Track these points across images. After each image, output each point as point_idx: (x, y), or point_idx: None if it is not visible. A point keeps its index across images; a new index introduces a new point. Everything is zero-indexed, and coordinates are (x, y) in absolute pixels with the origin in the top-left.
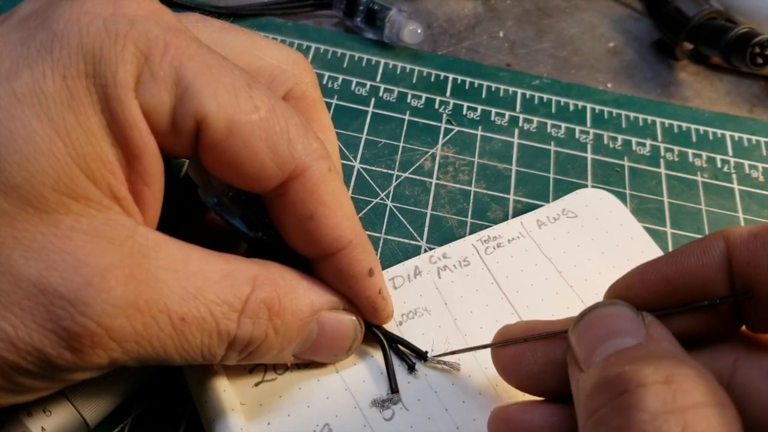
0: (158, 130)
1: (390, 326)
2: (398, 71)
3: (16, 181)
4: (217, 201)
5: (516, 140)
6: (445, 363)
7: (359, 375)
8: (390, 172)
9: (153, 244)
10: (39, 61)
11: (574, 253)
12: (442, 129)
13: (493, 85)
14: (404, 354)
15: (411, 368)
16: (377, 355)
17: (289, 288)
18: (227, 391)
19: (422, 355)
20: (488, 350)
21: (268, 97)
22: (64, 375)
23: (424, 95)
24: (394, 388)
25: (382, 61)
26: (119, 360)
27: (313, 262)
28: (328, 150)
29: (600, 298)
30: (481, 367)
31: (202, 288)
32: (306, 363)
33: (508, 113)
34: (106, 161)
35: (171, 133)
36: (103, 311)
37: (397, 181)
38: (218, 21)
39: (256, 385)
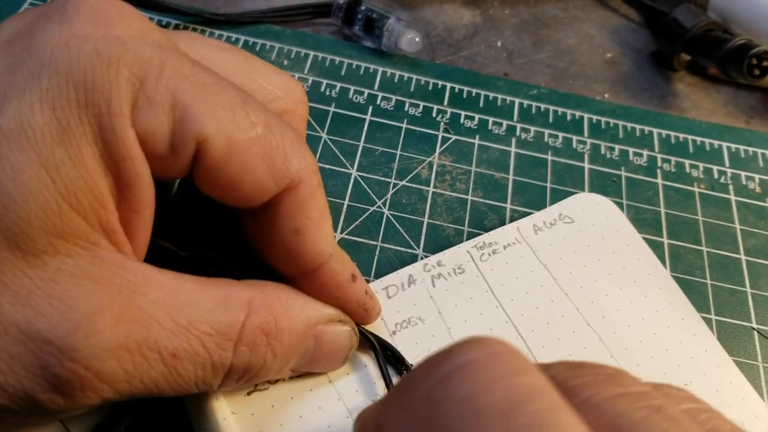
0: (155, 154)
1: (383, 335)
2: (396, 79)
3: (5, 225)
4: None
5: (513, 149)
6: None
7: (352, 385)
8: (387, 180)
9: (142, 279)
10: (27, 91)
11: (570, 260)
12: (440, 137)
13: (491, 95)
14: (392, 360)
15: (400, 373)
16: (370, 365)
17: (285, 308)
18: (219, 400)
19: (406, 367)
20: None
21: (263, 112)
22: (57, 416)
23: (421, 104)
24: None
25: (380, 69)
26: (111, 399)
27: (293, 280)
28: None
29: (595, 306)
30: None
31: (194, 319)
32: (300, 374)
33: (505, 122)
34: (98, 194)
35: (169, 157)
36: (92, 355)
37: (394, 189)
38: (215, 40)
39: (248, 394)
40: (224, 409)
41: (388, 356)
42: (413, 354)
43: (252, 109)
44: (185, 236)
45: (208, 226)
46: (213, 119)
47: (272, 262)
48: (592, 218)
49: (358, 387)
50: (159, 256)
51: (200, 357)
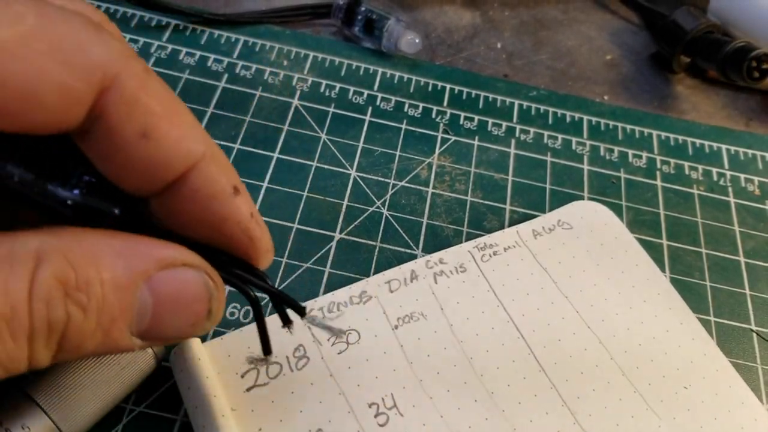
0: None
1: (385, 329)
2: (396, 80)
3: None
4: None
5: (513, 150)
6: (326, 327)
7: (354, 379)
8: (386, 180)
9: None
10: None
11: (569, 264)
12: (439, 138)
13: (491, 96)
14: (285, 309)
15: (285, 322)
16: (372, 359)
17: (89, 254)
18: (218, 396)
19: (300, 311)
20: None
21: (33, 3)
22: None
23: (421, 104)
24: (266, 350)
25: (380, 70)
26: None
27: (161, 199)
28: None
29: (594, 309)
30: (480, 378)
31: None
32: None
33: (505, 123)
34: None
35: None
36: None
37: (394, 190)
38: None
39: (248, 390)
40: (223, 406)
41: (279, 306)
42: (416, 350)
43: (18, 3)
44: None
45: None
46: None
47: (131, 186)
48: (590, 225)
49: (360, 381)
50: None
51: None
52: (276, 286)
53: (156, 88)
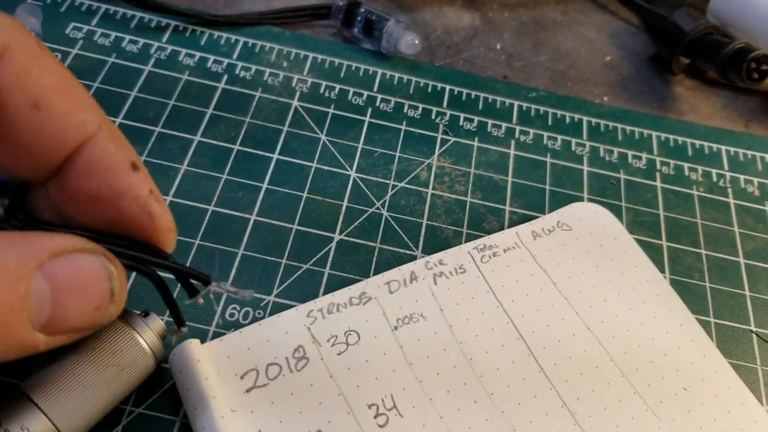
0: None
1: (385, 330)
2: (395, 81)
3: None
4: None
5: (512, 151)
6: (234, 291)
7: (353, 380)
8: (386, 181)
9: None
10: None
11: (568, 266)
12: (439, 139)
13: (490, 97)
14: (189, 281)
15: (192, 294)
16: (372, 360)
17: None
18: (217, 397)
19: (204, 281)
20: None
21: None
22: None
23: (420, 106)
24: (179, 322)
25: (380, 71)
26: None
27: (58, 182)
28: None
29: (594, 310)
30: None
31: None
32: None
33: (504, 125)
34: None
35: None
36: None
37: (393, 191)
38: None
39: (247, 391)
40: (222, 407)
41: (182, 279)
42: (416, 351)
43: None
44: None
45: None
46: None
47: (24, 166)
48: (589, 226)
49: (359, 382)
50: None
51: None
52: (276, 286)
53: (49, 63)
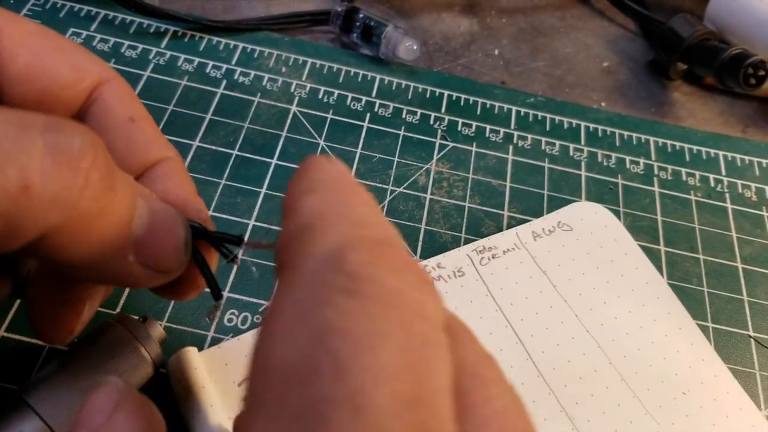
0: None
1: None
2: (394, 87)
3: None
4: None
5: (510, 157)
6: (263, 245)
7: None
8: (384, 186)
9: None
10: None
11: (568, 267)
12: (437, 145)
13: (488, 102)
14: (223, 245)
15: (230, 258)
16: None
17: (103, 145)
18: (214, 405)
19: (237, 241)
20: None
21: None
22: None
23: (419, 111)
24: (217, 295)
25: (378, 76)
26: None
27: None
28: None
29: (593, 313)
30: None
31: None
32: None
33: (502, 130)
34: None
35: None
36: None
37: (392, 196)
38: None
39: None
40: (219, 415)
41: (216, 244)
42: None
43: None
44: None
45: None
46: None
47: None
48: (590, 227)
49: None
50: None
51: None
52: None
53: (140, 105)
